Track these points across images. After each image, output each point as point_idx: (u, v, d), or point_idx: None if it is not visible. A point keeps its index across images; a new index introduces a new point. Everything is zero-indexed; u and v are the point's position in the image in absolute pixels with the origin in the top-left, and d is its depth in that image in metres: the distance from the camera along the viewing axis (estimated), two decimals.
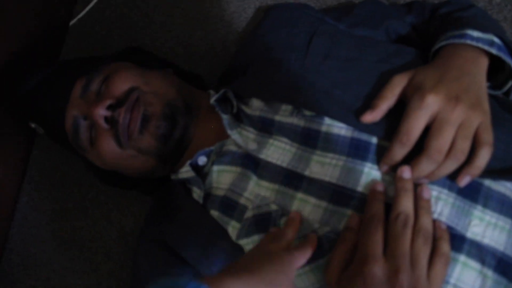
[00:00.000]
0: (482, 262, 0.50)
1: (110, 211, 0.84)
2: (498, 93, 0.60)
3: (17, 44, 0.80)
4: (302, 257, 0.50)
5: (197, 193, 0.61)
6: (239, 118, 0.63)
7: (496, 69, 0.59)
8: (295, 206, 0.54)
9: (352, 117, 0.54)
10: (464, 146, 0.48)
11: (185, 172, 0.62)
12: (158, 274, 0.62)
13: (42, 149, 0.89)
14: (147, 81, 0.64)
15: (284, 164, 0.56)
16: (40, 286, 0.83)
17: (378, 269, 0.46)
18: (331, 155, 0.54)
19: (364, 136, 0.54)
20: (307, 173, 0.55)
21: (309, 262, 0.52)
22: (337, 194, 0.53)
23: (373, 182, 0.52)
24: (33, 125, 0.74)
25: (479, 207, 0.51)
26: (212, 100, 0.64)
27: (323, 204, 0.53)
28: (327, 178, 0.54)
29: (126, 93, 0.62)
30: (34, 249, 0.85)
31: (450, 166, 0.49)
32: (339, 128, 0.54)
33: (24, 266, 0.84)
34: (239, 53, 0.75)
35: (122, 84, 0.63)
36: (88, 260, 0.83)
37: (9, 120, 0.82)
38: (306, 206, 0.54)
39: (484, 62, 0.55)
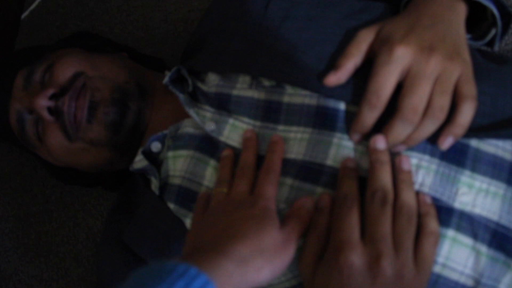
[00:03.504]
0: (475, 236, 0.43)
1: (76, 212, 0.78)
2: (480, 44, 0.54)
3: None
4: (273, 183, 0.45)
5: (154, 184, 0.55)
6: (196, 98, 0.57)
7: (476, 18, 0.52)
8: None
9: (316, 82, 0.47)
10: (442, 102, 0.42)
11: (139, 161, 0.56)
12: (120, 277, 0.56)
13: None
14: (94, 65, 0.59)
15: None
16: None
17: (356, 257, 0.40)
18: (295, 128, 0.48)
19: (330, 103, 0.47)
20: None
21: None
22: (304, 170, 0.46)
23: (343, 157, 0.45)
24: None
25: (467, 172, 0.44)
26: (165, 80, 0.57)
27: (288, 181, 0.46)
28: (292, 155, 0.47)
29: (70, 79, 0.57)
30: None
31: (429, 127, 0.42)
32: (302, 97, 0.48)
33: None
34: (198, 28, 0.69)
35: (66, 70, 0.57)
36: (56, 266, 0.77)
37: None
38: None
39: (461, 8, 0.48)
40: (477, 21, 0.53)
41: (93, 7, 0.86)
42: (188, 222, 0.51)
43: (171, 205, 0.53)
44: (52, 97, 0.56)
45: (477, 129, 0.44)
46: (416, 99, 0.42)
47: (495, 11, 0.49)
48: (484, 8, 0.50)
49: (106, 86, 0.57)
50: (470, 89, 0.42)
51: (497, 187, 0.44)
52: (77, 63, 0.58)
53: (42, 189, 0.80)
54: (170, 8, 0.82)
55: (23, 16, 0.89)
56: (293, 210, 0.44)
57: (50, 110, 0.56)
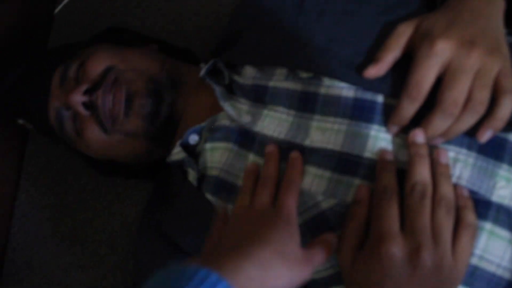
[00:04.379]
0: None
1: (111, 202, 0.80)
2: None
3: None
4: (292, 196, 0.46)
5: (192, 175, 0.56)
6: (232, 90, 0.58)
7: None
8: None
9: (354, 75, 0.48)
10: (482, 96, 0.42)
11: (177, 153, 0.58)
12: (157, 267, 0.58)
13: (37, 144, 0.86)
14: (125, 58, 0.60)
15: (282, 136, 0.51)
16: (45, 284, 0.80)
17: (396, 248, 0.41)
18: (332, 119, 0.49)
19: (368, 95, 0.48)
20: (307, 142, 0.49)
21: None
22: (343, 162, 0.47)
23: (381, 150, 0.46)
24: (20, 121, 0.70)
25: (505, 166, 0.45)
26: (202, 73, 0.58)
27: (327, 174, 0.47)
28: (330, 146, 0.48)
29: (102, 74, 0.59)
30: (37, 247, 0.82)
31: (468, 120, 0.43)
32: (339, 89, 0.49)
33: (28, 265, 0.82)
34: (231, 23, 0.70)
35: (97, 65, 0.59)
36: (92, 254, 0.79)
37: (1, 118, 0.78)
38: (306, 177, 0.48)
39: (500, 3, 0.48)
40: None
41: (125, 2, 0.88)
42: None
43: (209, 196, 0.54)
44: (86, 92, 0.58)
45: None
46: (457, 93, 0.42)
47: None
48: None
49: (139, 78, 0.58)
50: (509, 83, 0.42)
51: None
52: (108, 57, 0.60)
53: (78, 179, 0.82)
54: (201, 2, 0.83)
55: (56, 11, 0.91)
56: (319, 239, 0.44)
57: (85, 105, 0.58)
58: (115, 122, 0.58)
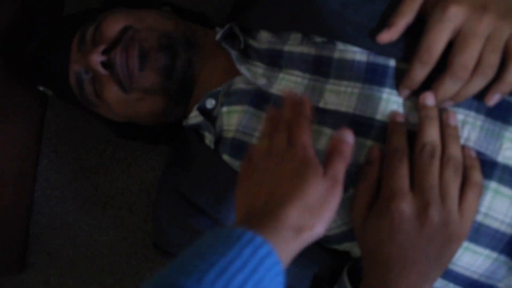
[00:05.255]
0: None
1: (129, 166, 0.83)
2: None
3: (15, 5, 0.78)
4: (307, 137, 0.44)
5: (208, 138, 0.59)
6: (247, 54, 0.59)
7: None
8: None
9: (367, 39, 0.49)
10: (492, 60, 0.43)
11: (194, 117, 0.60)
12: (177, 224, 0.61)
13: (55, 111, 0.88)
14: (141, 18, 0.61)
15: None
16: (68, 244, 0.84)
17: (406, 205, 0.43)
18: (345, 82, 0.50)
19: (381, 60, 0.49)
20: (321, 104, 0.51)
21: None
22: (355, 124, 0.49)
23: (392, 112, 0.48)
24: (41, 88, 0.72)
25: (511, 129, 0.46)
26: (217, 37, 0.60)
27: None
28: (343, 108, 0.50)
29: (119, 33, 0.59)
30: (59, 210, 0.85)
31: (478, 84, 0.44)
32: (353, 53, 0.50)
33: (52, 227, 0.85)
34: None
35: (113, 26, 0.60)
36: (112, 216, 0.83)
37: (19, 85, 0.80)
38: (321, 137, 0.50)
39: None
40: None
41: None
42: None
43: (226, 157, 0.56)
44: (104, 52, 0.58)
45: None
46: (467, 57, 0.43)
47: None
48: None
49: (153, 35, 0.59)
50: None
51: None
52: (124, 18, 0.61)
53: (96, 144, 0.85)
54: None
55: None
56: (333, 146, 0.43)
57: (104, 64, 0.58)
58: (132, 79, 0.59)
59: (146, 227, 0.81)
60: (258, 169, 0.45)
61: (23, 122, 0.84)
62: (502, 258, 0.47)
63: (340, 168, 0.42)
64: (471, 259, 0.47)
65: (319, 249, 0.53)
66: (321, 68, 0.52)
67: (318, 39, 0.52)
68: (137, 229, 0.82)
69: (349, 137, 0.43)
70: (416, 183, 0.44)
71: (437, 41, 0.44)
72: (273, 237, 0.37)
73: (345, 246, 0.52)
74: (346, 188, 0.48)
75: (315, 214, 0.40)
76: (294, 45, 0.54)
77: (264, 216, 0.39)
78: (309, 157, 0.43)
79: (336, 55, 0.51)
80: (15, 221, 0.83)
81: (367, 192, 0.46)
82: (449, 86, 0.45)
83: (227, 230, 0.36)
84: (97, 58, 0.58)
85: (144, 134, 0.74)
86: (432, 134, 0.45)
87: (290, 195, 0.40)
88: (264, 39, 0.57)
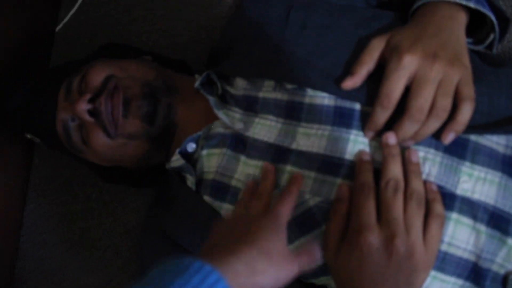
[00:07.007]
0: (474, 217, 0.50)
1: (114, 209, 0.85)
2: (481, 47, 0.59)
3: (3, 58, 0.81)
4: (288, 205, 0.50)
5: (190, 180, 0.62)
6: (225, 100, 0.64)
7: (477, 24, 0.58)
8: (284, 179, 0.54)
9: (333, 85, 0.54)
10: (445, 103, 0.48)
11: (176, 160, 0.63)
12: None
13: (42, 157, 0.90)
14: (123, 68, 0.65)
15: (271, 140, 0.57)
16: None
17: (373, 238, 0.46)
18: (316, 125, 0.54)
19: (347, 104, 0.53)
20: (294, 146, 0.55)
21: (304, 234, 0.53)
22: (326, 164, 0.53)
23: (360, 152, 0.52)
24: (28, 136, 0.75)
25: (467, 163, 0.51)
26: (196, 84, 0.64)
27: (312, 174, 0.53)
28: (314, 149, 0.54)
29: (103, 82, 0.63)
30: (46, 254, 0.86)
31: (433, 125, 0.49)
32: (321, 98, 0.54)
33: (38, 272, 0.86)
34: (222, 36, 0.75)
35: (97, 75, 0.64)
36: (98, 258, 0.84)
37: (7, 132, 0.83)
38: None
39: (462, 17, 0.54)
40: (478, 26, 0.59)
41: (120, 18, 0.92)
42: (222, 213, 0.58)
43: (207, 198, 0.59)
44: (90, 101, 0.62)
45: (475, 126, 0.50)
46: (422, 101, 0.48)
47: (493, 18, 0.55)
48: (484, 14, 0.56)
49: (136, 84, 0.63)
50: (469, 91, 0.49)
51: (494, 176, 0.50)
52: (107, 68, 0.64)
53: (83, 189, 0.87)
54: (191, 16, 0.88)
55: (57, 29, 0.95)
56: (304, 250, 0.47)
57: (90, 112, 0.62)
58: (117, 126, 0.62)
59: (131, 269, 0.83)
60: (233, 222, 0.49)
61: (10, 168, 0.86)
62: (467, 284, 0.50)
63: (304, 262, 0.46)
64: (440, 287, 0.50)
65: (297, 285, 0.55)
66: (293, 112, 0.56)
67: (289, 86, 0.56)
68: (122, 271, 0.83)
69: (318, 251, 0.47)
70: (383, 217, 0.48)
71: (395, 87, 0.49)
72: (224, 266, 0.39)
73: (322, 280, 0.55)
74: (319, 224, 0.52)
75: (271, 263, 0.42)
76: (268, 91, 0.58)
77: (222, 250, 0.42)
78: (282, 225, 0.47)
79: (307, 100, 0.55)
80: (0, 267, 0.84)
81: (338, 227, 0.50)
82: (408, 127, 0.49)
83: (177, 260, 0.38)
84: (83, 107, 0.61)
85: (129, 178, 0.76)
86: (395, 170, 0.49)
87: (254, 240, 0.43)
88: (240, 85, 0.61)
